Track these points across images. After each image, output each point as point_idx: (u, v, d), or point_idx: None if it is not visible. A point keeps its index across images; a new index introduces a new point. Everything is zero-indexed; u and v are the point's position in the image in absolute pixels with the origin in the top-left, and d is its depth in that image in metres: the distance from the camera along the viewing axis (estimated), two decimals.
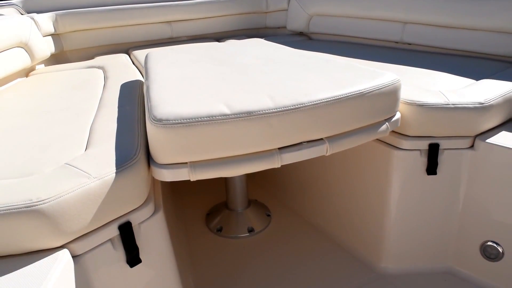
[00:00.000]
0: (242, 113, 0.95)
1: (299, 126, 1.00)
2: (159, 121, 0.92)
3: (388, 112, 1.17)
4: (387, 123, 1.18)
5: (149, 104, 1.03)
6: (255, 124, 0.96)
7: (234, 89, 1.09)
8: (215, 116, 0.93)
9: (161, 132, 0.92)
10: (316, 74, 1.21)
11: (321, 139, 1.07)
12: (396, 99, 1.18)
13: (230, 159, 0.98)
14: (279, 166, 1.02)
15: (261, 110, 0.96)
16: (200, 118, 0.93)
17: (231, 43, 1.85)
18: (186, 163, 0.97)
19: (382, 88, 1.12)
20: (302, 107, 0.99)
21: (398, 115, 1.22)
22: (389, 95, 1.14)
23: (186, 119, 0.92)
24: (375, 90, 1.10)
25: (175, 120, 0.92)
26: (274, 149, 1.02)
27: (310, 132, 1.03)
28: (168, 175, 0.97)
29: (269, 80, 1.16)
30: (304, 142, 1.05)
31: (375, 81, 1.13)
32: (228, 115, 0.94)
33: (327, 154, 1.08)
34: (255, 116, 0.95)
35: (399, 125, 1.24)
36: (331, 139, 1.07)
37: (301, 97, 1.02)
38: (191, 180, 0.98)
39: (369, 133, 1.14)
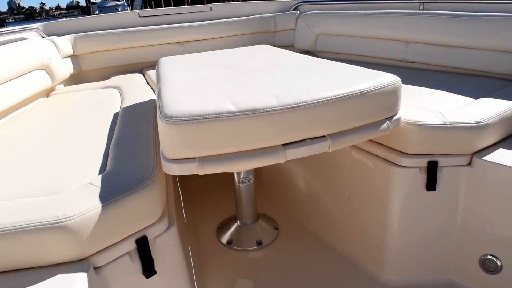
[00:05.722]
0: (247, 110, 1.00)
1: (302, 123, 1.06)
2: (169, 118, 0.99)
3: (389, 111, 1.21)
4: (388, 121, 1.22)
5: (160, 104, 1.09)
6: (260, 121, 1.01)
7: (240, 89, 1.15)
8: (222, 113, 0.99)
9: (171, 129, 0.98)
10: (319, 75, 1.27)
11: (324, 136, 1.12)
12: (397, 99, 1.22)
13: (236, 154, 1.04)
14: (283, 161, 1.07)
15: (265, 107, 1.02)
16: (208, 115, 0.99)
17: (239, 49, 1.92)
18: (195, 158, 1.02)
19: (383, 87, 1.17)
20: (304, 105, 1.04)
21: (399, 115, 1.26)
22: (390, 95, 1.19)
23: (194, 116, 0.98)
24: (375, 90, 1.15)
25: (184, 117, 0.98)
26: (278, 145, 1.07)
27: (313, 130, 1.08)
28: (177, 170, 1.03)
29: (274, 81, 1.22)
30: (307, 139, 1.10)
31: (376, 81, 1.18)
32: (234, 112, 1.00)
33: (330, 151, 1.12)
34: (260, 113, 1.01)
35: (400, 124, 1.28)
36: (333, 136, 1.12)
37: (304, 95, 1.07)
38: (200, 174, 1.03)
39: (370, 131, 1.18)
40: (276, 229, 1.93)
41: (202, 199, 2.29)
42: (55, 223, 0.88)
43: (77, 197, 0.97)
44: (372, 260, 1.58)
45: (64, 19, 2.72)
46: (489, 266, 1.39)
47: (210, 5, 2.95)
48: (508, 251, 1.32)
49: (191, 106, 1.02)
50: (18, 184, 1.08)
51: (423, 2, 2.32)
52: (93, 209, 0.92)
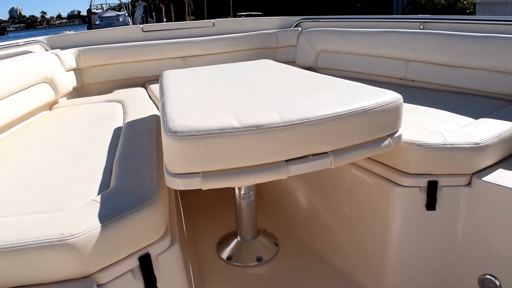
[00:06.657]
0: (251, 127, 1.01)
1: (304, 139, 1.07)
2: (174, 133, 1.00)
3: (390, 128, 1.23)
4: (389, 138, 1.23)
5: (164, 118, 1.10)
6: (263, 137, 1.02)
7: (244, 105, 1.16)
8: (226, 129, 1.00)
9: (176, 144, 0.99)
10: (322, 92, 1.28)
11: (326, 152, 1.13)
12: (398, 116, 1.24)
13: (239, 169, 1.04)
14: (286, 177, 1.08)
15: (269, 124, 1.03)
16: (212, 130, 1.00)
17: (242, 64, 1.94)
18: (198, 173, 1.03)
19: (384, 105, 1.18)
20: (307, 122, 1.06)
21: (400, 132, 1.27)
22: (391, 112, 1.20)
23: (199, 131, 0.99)
24: (377, 107, 1.16)
25: (188, 132, 0.99)
26: (281, 161, 1.08)
27: (315, 146, 1.09)
28: (180, 184, 1.03)
29: (277, 97, 1.23)
30: (310, 155, 1.11)
31: (378, 99, 1.19)
32: (238, 128, 1.01)
33: (332, 167, 1.13)
34: (263, 130, 1.02)
35: (401, 141, 1.29)
36: (335, 152, 1.13)
37: (307, 112, 1.08)
38: (203, 189, 1.03)
39: (372, 148, 1.19)
40: (276, 245, 1.93)
41: (202, 214, 2.29)
42: (60, 240, 0.88)
43: (81, 214, 0.97)
44: (372, 278, 1.58)
45: (68, 32, 2.75)
46: (488, 286, 1.40)
47: (213, 20, 2.99)
48: (507, 271, 1.33)
49: (195, 121, 1.03)
50: (21, 201, 1.09)
51: (424, 22, 2.36)
52: (97, 227, 0.93)
